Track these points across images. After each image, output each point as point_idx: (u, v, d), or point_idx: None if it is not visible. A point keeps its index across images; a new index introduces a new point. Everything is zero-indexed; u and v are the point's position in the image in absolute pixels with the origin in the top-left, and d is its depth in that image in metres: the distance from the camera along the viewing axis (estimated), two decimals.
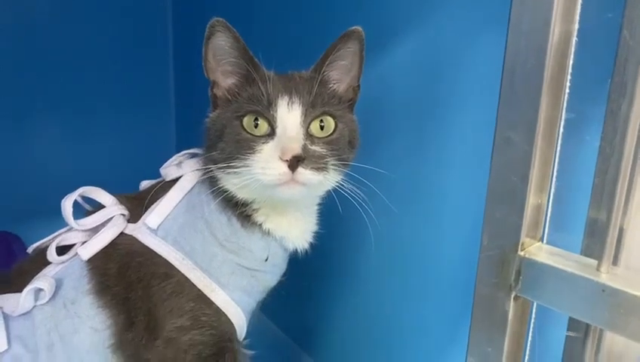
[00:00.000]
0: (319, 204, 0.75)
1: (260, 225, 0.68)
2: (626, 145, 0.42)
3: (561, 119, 0.48)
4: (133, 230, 0.68)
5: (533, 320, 0.55)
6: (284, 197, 0.64)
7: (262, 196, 0.66)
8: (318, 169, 0.62)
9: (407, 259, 0.87)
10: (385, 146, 0.85)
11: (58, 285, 0.66)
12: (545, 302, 0.49)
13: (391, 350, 0.92)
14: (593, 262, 0.46)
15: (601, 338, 0.50)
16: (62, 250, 0.69)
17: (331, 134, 0.65)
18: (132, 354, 0.67)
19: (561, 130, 0.49)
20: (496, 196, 0.50)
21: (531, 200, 0.48)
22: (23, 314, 0.64)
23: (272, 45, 1.06)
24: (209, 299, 0.66)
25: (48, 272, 0.67)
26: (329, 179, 0.65)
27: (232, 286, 0.68)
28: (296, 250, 0.73)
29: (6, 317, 0.64)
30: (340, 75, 0.68)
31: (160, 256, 0.66)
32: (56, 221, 0.69)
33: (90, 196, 0.71)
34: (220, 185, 0.66)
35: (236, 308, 0.68)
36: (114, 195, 0.71)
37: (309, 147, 0.62)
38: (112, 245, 0.68)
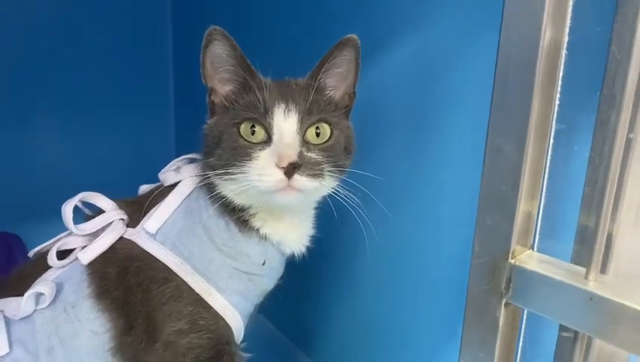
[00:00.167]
0: (315, 208, 0.75)
1: (257, 229, 0.69)
2: (614, 154, 0.43)
3: (551, 129, 0.49)
4: (132, 234, 0.69)
5: (524, 326, 0.56)
6: (280, 204, 0.65)
7: (259, 202, 0.67)
8: (314, 175, 0.63)
9: (403, 262, 0.88)
10: (380, 151, 0.86)
11: (58, 289, 0.67)
12: (535, 309, 0.50)
13: (387, 350, 0.94)
14: (582, 270, 0.47)
15: (591, 340, 0.51)
16: (62, 255, 0.70)
17: (327, 141, 0.66)
18: (132, 356, 0.67)
19: (552, 140, 0.49)
20: (488, 204, 0.51)
21: (522, 208, 0.49)
22: (24, 318, 0.65)
23: (270, 44, 1.08)
24: (207, 302, 0.67)
25: (49, 276, 0.68)
26: (325, 185, 0.66)
27: (229, 290, 0.68)
28: (294, 253, 0.74)
29: (7, 321, 0.65)
30: (336, 82, 0.69)
31: (159, 261, 0.67)
32: (56, 221, 0.69)
33: (90, 201, 0.71)
34: (218, 191, 0.67)
35: (234, 312, 0.69)
36: (113, 200, 0.72)
37: (305, 154, 0.63)
38: (112, 249, 0.68)
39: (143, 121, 1.56)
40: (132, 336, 0.67)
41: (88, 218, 0.71)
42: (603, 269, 0.49)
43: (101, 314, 0.66)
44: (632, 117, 0.43)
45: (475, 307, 0.54)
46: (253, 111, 0.64)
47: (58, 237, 0.72)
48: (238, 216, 0.68)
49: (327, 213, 0.74)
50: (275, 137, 0.63)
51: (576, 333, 0.51)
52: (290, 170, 0.60)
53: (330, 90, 0.69)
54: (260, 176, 0.61)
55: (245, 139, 0.64)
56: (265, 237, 0.70)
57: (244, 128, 0.64)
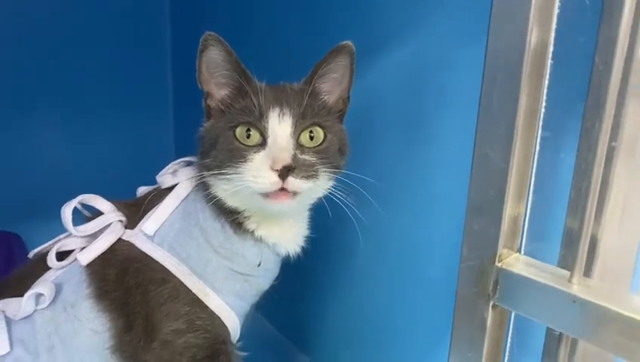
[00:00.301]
0: (310, 209, 0.77)
1: (252, 232, 0.70)
2: (597, 160, 0.45)
3: (537, 136, 0.51)
4: (130, 236, 0.70)
5: (512, 326, 0.58)
6: (274, 211, 0.66)
7: (252, 205, 0.68)
8: (308, 176, 0.64)
9: (396, 261, 0.89)
10: (374, 153, 0.87)
11: (58, 289, 0.68)
12: (521, 312, 0.51)
13: (381, 348, 0.95)
14: (566, 273, 0.48)
15: (576, 339, 0.53)
16: (61, 256, 0.71)
17: (320, 144, 0.67)
18: (130, 355, 0.69)
19: (538, 147, 0.51)
20: (475, 209, 0.52)
21: (508, 213, 0.51)
22: (24, 318, 0.66)
23: (269, 44, 1.08)
24: (204, 303, 0.68)
25: (48, 277, 0.69)
26: (319, 186, 0.67)
27: (226, 290, 0.70)
28: (289, 254, 0.75)
29: (8, 321, 0.66)
30: (331, 87, 0.70)
31: (157, 262, 0.68)
32: (56, 220, 0.70)
33: (89, 203, 0.73)
34: (211, 191, 0.68)
35: (230, 312, 0.70)
36: (112, 202, 0.73)
37: (299, 156, 0.64)
38: (111, 251, 0.70)
39: (143, 121, 1.57)
40: (131, 335, 0.68)
41: (88, 220, 0.73)
42: (587, 273, 0.50)
43: (101, 314, 0.68)
44: (614, 126, 0.45)
45: (464, 308, 0.55)
46: (248, 115, 0.65)
47: (57, 238, 0.73)
48: (233, 218, 0.70)
49: (322, 214, 0.75)
50: (269, 140, 0.64)
51: (561, 333, 0.52)
52: (284, 173, 0.62)
53: (325, 95, 0.70)
54: (254, 177, 0.63)
55: (241, 142, 0.65)
56: (260, 239, 0.71)
57: (240, 131, 0.65)
